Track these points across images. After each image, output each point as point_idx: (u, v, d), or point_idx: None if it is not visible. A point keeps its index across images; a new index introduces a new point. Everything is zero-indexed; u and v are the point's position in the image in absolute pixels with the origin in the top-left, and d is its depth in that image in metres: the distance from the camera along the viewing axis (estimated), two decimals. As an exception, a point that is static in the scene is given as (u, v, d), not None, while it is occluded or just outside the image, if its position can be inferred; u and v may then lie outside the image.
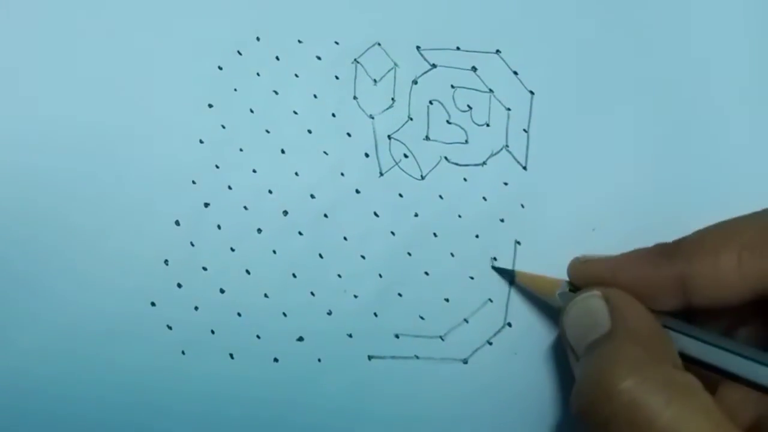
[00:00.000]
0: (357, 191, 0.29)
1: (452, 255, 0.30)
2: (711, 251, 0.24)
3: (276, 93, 0.30)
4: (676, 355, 0.24)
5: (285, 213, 0.29)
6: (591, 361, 0.24)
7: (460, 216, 0.30)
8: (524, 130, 0.31)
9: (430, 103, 0.31)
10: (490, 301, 0.29)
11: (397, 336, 0.29)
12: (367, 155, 0.30)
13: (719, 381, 0.25)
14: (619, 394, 0.21)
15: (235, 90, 0.29)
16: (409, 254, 0.29)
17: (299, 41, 0.30)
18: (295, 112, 0.30)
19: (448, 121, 0.31)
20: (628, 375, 0.22)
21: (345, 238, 0.29)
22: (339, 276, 0.29)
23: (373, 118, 0.30)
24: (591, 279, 0.27)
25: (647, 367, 0.22)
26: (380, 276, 0.29)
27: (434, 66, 0.31)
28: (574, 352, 0.25)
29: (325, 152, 0.30)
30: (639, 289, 0.25)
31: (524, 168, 0.31)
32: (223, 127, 0.29)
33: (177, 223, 0.28)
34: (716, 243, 0.25)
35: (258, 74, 0.30)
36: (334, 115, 0.30)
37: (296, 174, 0.29)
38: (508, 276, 0.29)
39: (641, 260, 0.26)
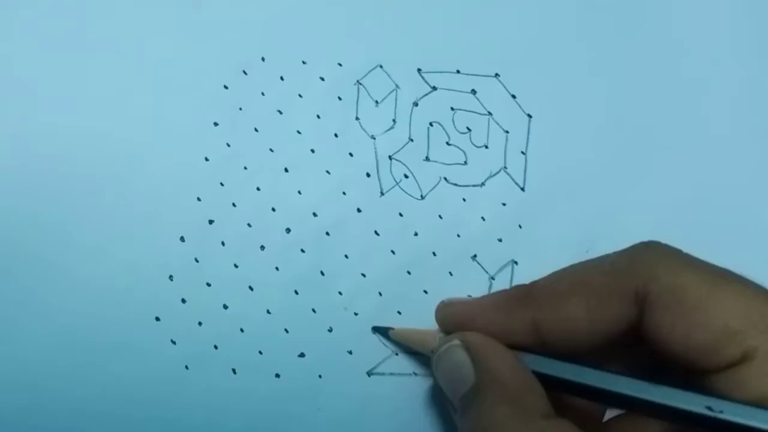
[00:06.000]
0: (358, 210, 0.30)
1: (451, 274, 0.30)
2: (560, 298, 0.25)
3: (280, 113, 0.30)
4: (545, 401, 0.23)
5: (288, 231, 0.29)
6: (466, 422, 0.24)
7: (458, 236, 0.31)
8: (522, 152, 0.32)
9: (431, 124, 0.31)
10: (487, 319, 0.30)
11: (396, 353, 0.29)
12: (368, 175, 0.30)
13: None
14: None
15: (241, 109, 0.30)
16: (409, 273, 0.30)
17: (303, 62, 0.31)
18: (299, 132, 0.30)
19: (447, 143, 0.31)
20: None
21: (346, 256, 0.30)
22: (340, 293, 0.29)
23: (374, 138, 0.31)
24: (453, 324, 0.27)
25: (516, 428, 0.22)
26: (380, 294, 0.30)
27: (434, 88, 0.32)
28: (452, 404, 0.26)
29: (327, 171, 0.30)
30: (496, 334, 0.25)
31: (522, 189, 0.31)
32: (228, 145, 0.30)
33: (182, 239, 0.29)
34: (566, 289, 0.25)
35: (263, 94, 0.30)
36: (336, 135, 0.31)
37: (299, 192, 0.30)
38: (383, 333, 0.29)
39: (497, 305, 0.26)
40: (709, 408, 0.21)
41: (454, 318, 0.27)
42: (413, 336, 0.29)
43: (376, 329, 0.29)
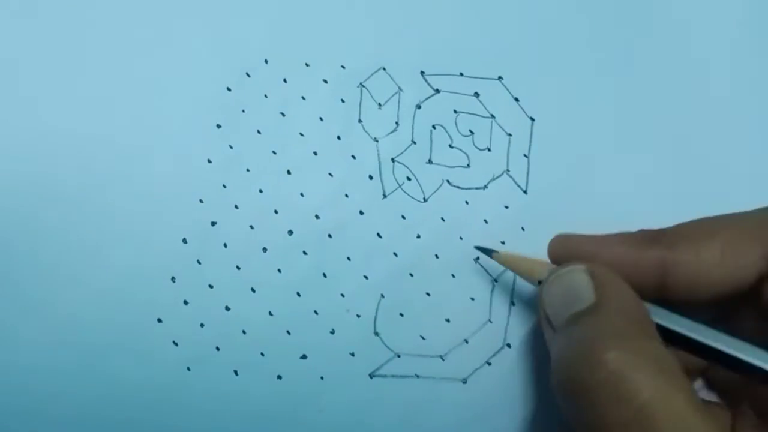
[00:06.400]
0: (361, 212, 0.30)
1: (453, 276, 0.30)
2: (694, 242, 0.24)
3: (283, 115, 0.30)
4: (659, 336, 0.23)
5: (290, 233, 0.29)
6: (573, 332, 0.23)
7: (461, 238, 0.31)
8: (525, 155, 0.32)
9: (433, 127, 0.31)
10: (490, 321, 0.30)
11: (398, 355, 0.29)
12: (371, 177, 0.30)
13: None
14: (605, 364, 0.21)
15: (243, 111, 0.30)
16: (411, 275, 0.30)
17: (306, 65, 0.31)
18: (302, 134, 0.30)
19: (450, 146, 0.31)
20: (614, 346, 0.21)
21: (348, 259, 0.30)
22: (342, 295, 0.29)
23: (377, 141, 0.31)
24: (572, 255, 0.26)
25: (634, 340, 0.22)
26: (382, 296, 0.29)
27: (437, 91, 0.32)
28: (551, 326, 0.25)
29: (330, 174, 0.30)
30: (620, 269, 0.25)
31: (525, 192, 0.31)
32: (231, 147, 0.30)
33: (184, 240, 0.29)
34: (700, 235, 0.25)
35: (266, 96, 0.30)
36: (339, 137, 0.31)
37: (302, 195, 0.30)
38: (488, 253, 0.29)
39: (625, 241, 0.26)
40: None
41: (573, 250, 0.27)
42: (521, 263, 0.28)
43: (479, 248, 0.29)
